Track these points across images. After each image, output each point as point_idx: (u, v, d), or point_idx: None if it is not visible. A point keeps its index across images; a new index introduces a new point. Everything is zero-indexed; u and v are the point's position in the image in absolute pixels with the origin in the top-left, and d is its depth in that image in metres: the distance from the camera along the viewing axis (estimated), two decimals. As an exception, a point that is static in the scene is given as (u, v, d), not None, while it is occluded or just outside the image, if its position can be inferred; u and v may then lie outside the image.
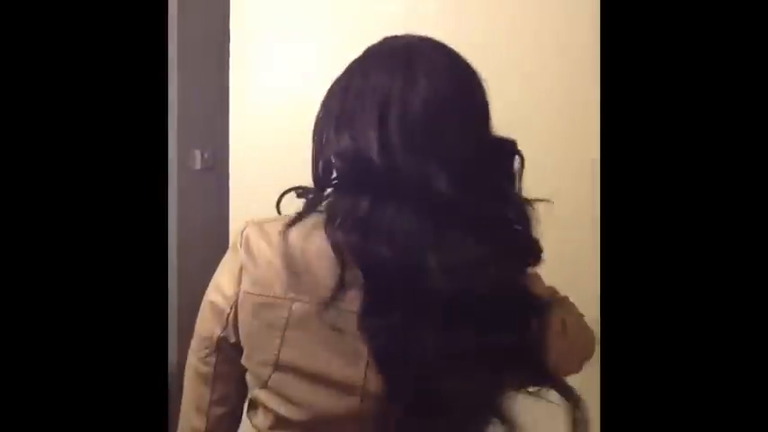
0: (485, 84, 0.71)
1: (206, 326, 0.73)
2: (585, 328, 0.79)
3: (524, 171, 0.72)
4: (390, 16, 1.26)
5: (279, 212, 0.74)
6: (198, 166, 2.54)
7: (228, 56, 1.47)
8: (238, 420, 0.78)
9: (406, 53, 0.69)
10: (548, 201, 0.73)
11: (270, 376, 0.69)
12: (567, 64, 1.16)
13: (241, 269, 0.70)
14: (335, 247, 0.64)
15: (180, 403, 0.80)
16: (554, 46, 1.16)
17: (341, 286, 0.64)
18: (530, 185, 1.14)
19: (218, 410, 0.76)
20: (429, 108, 0.65)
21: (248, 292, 0.69)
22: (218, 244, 0.76)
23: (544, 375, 0.67)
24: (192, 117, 2.47)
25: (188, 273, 2.48)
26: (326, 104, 0.73)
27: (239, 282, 0.70)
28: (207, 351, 0.73)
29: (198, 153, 2.53)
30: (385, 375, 0.64)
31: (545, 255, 0.71)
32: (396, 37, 0.74)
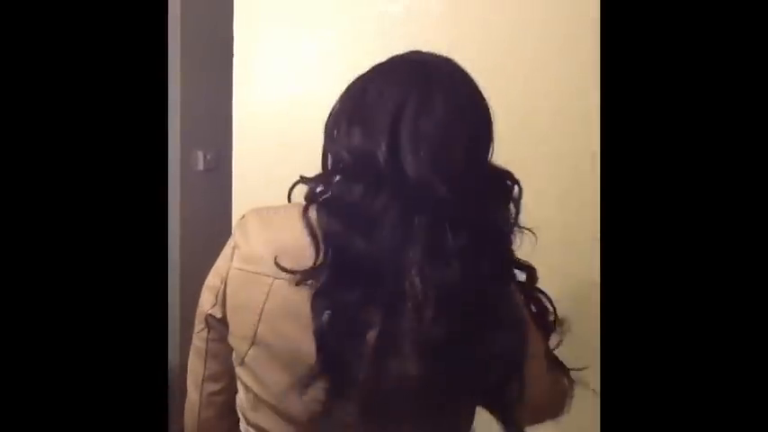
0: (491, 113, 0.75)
1: (202, 302, 0.79)
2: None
3: (523, 194, 0.74)
4: (393, 18, 1.26)
5: (290, 201, 0.77)
6: (200, 167, 2.55)
7: (232, 57, 1.47)
8: (233, 404, 0.81)
9: (426, 69, 0.73)
10: (531, 231, 0.77)
11: (247, 352, 0.73)
12: (568, 66, 1.16)
13: (234, 248, 0.75)
14: (309, 226, 0.68)
15: (180, 403, 0.84)
16: (555, 48, 1.16)
17: (315, 265, 0.67)
18: (532, 185, 1.14)
19: (211, 387, 0.81)
20: (440, 125, 0.69)
21: (236, 268, 0.74)
22: (221, 245, 0.78)
23: (509, 376, 0.69)
24: (194, 118, 2.48)
25: (190, 274, 2.48)
26: (343, 101, 0.76)
27: (231, 260, 0.74)
28: (201, 326, 0.79)
29: (200, 154, 2.54)
30: (321, 356, 0.66)
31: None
32: (420, 53, 0.78)
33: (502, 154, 1.17)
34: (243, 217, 0.76)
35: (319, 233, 0.68)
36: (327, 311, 0.65)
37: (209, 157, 2.58)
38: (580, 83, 1.09)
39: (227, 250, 0.76)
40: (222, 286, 0.75)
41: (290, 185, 0.76)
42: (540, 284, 0.78)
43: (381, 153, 0.67)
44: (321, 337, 0.65)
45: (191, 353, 0.82)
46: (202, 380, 0.81)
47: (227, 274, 0.74)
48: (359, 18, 1.29)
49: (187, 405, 0.84)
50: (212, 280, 0.77)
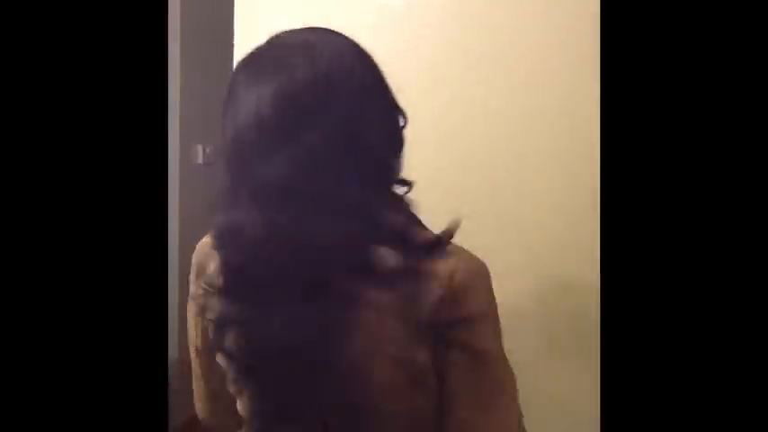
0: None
1: (190, 336, 0.81)
2: None
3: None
4: (393, 12, 1.25)
5: None
6: (200, 160, 2.55)
7: (232, 51, 1.47)
8: None
9: (260, 60, 0.68)
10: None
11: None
12: (569, 61, 1.15)
13: (195, 275, 0.78)
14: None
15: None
16: (555, 42, 1.16)
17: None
18: (531, 179, 1.14)
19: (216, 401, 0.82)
20: (251, 121, 0.64)
21: (201, 289, 0.75)
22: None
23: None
24: (194, 112, 2.47)
25: (189, 266, 2.48)
26: None
27: (195, 285, 0.77)
28: (194, 354, 0.81)
29: (200, 148, 2.54)
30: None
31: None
32: (284, 34, 0.70)
33: (502, 148, 1.16)
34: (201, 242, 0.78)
35: None
36: (231, 344, 0.65)
37: (208, 150, 2.58)
38: (581, 77, 1.08)
39: (191, 277, 0.78)
40: (198, 318, 0.76)
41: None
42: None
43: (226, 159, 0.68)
44: (229, 356, 0.66)
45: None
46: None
47: (198, 299, 0.75)
48: (359, 12, 1.28)
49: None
50: (191, 309, 0.79)
